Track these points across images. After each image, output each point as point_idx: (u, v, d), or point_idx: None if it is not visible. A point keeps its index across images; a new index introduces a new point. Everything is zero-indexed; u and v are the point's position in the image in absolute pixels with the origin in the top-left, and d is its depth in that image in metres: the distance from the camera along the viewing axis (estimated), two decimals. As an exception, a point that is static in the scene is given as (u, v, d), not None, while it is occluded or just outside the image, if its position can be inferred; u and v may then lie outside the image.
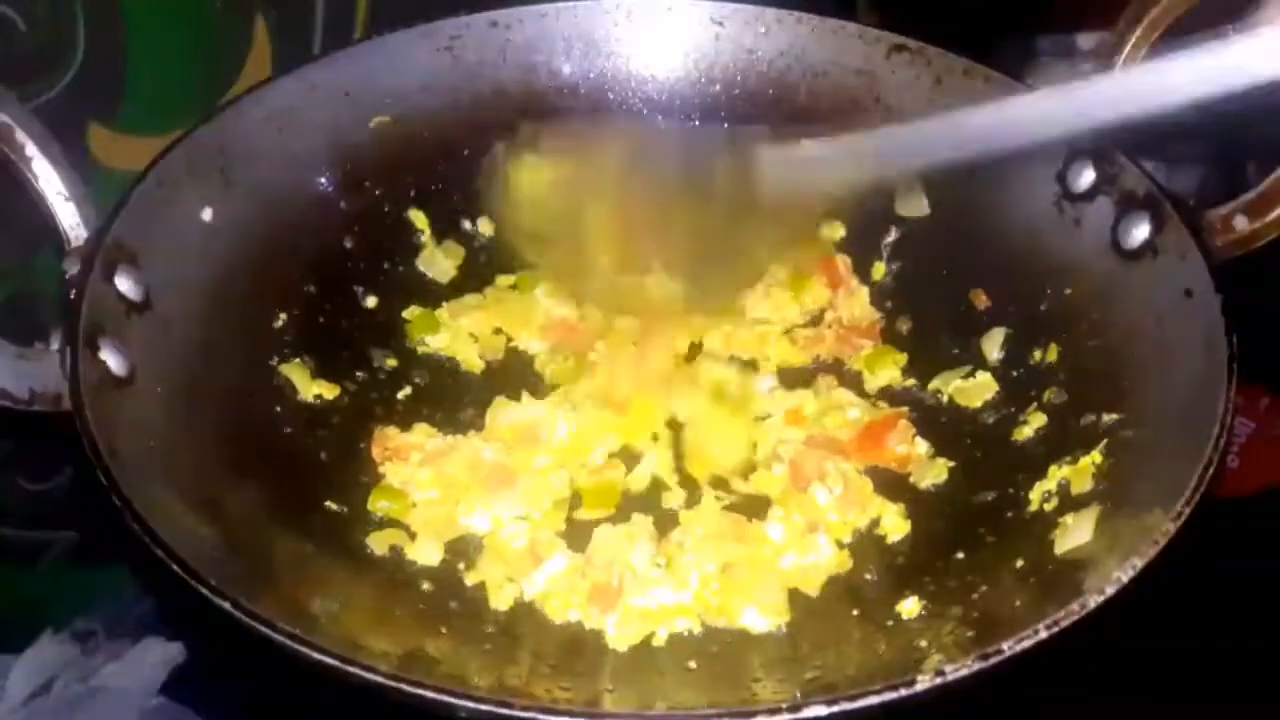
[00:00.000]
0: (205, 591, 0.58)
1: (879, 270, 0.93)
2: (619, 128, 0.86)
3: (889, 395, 0.85)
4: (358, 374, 0.85)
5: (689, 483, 0.79)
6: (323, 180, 0.89)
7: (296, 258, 0.86)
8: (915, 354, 0.87)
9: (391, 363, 0.86)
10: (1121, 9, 0.83)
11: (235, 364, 0.79)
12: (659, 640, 0.70)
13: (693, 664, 0.68)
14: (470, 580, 0.73)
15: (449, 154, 0.94)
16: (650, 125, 0.96)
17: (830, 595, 0.73)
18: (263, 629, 0.57)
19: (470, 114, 0.94)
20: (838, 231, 0.94)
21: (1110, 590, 0.59)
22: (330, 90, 0.89)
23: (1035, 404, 0.80)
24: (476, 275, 0.93)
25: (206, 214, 0.81)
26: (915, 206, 0.92)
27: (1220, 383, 0.66)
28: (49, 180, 0.74)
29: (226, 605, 0.57)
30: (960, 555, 0.72)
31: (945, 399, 0.84)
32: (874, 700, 0.55)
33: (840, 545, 0.75)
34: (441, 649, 0.66)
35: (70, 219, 0.75)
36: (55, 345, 0.68)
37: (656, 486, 0.79)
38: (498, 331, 0.89)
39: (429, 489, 0.78)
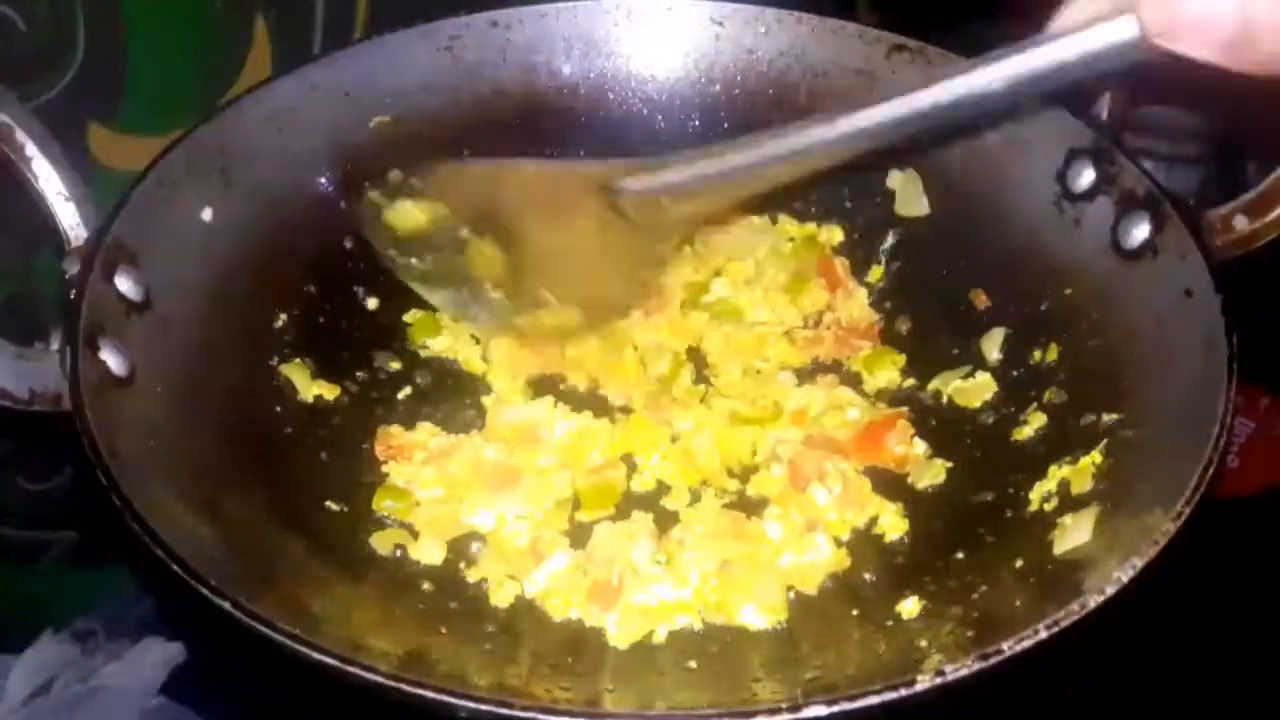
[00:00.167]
0: (205, 591, 0.58)
1: (878, 271, 0.93)
2: (484, 165, 0.87)
3: (888, 396, 0.85)
4: (358, 374, 0.85)
5: (689, 483, 0.79)
6: (323, 180, 0.89)
7: (296, 258, 0.86)
8: (915, 354, 0.87)
9: (395, 365, 0.86)
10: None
11: (235, 364, 0.79)
12: (659, 638, 0.70)
13: (693, 664, 0.68)
14: (472, 577, 0.73)
15: (449, 154, 0.93)
16: (650, 124, 0.97)
17: (830, 595, 0.73)
18: (263, 629, 0.57)
19: (470, 114, 0.94)
20: (836, 235, 0.94)
21: (1110, 590, 0.59)
22: (330, 90, 0.89)
23: (1035, 404, 0.80)
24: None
25: (206, 214, 0.81)
26: (915, 206, 0.92)
27: (1220, 383, 0.66)
28: (49, 180, 0.74)
29: (226, 605, 0.57)
30: (960, 555, 0.72)
31: (945, 399, 0.84)
32: (874, 700, 0.55)
33: (838, 543, 0.75)
34: (441, 649, 0.66)
35: (70, 219, 0.75)
36: (55, 345, 0.68)
37: (657, 487, 0.80)
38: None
39: (432, 488, 0.78)
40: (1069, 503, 0.72)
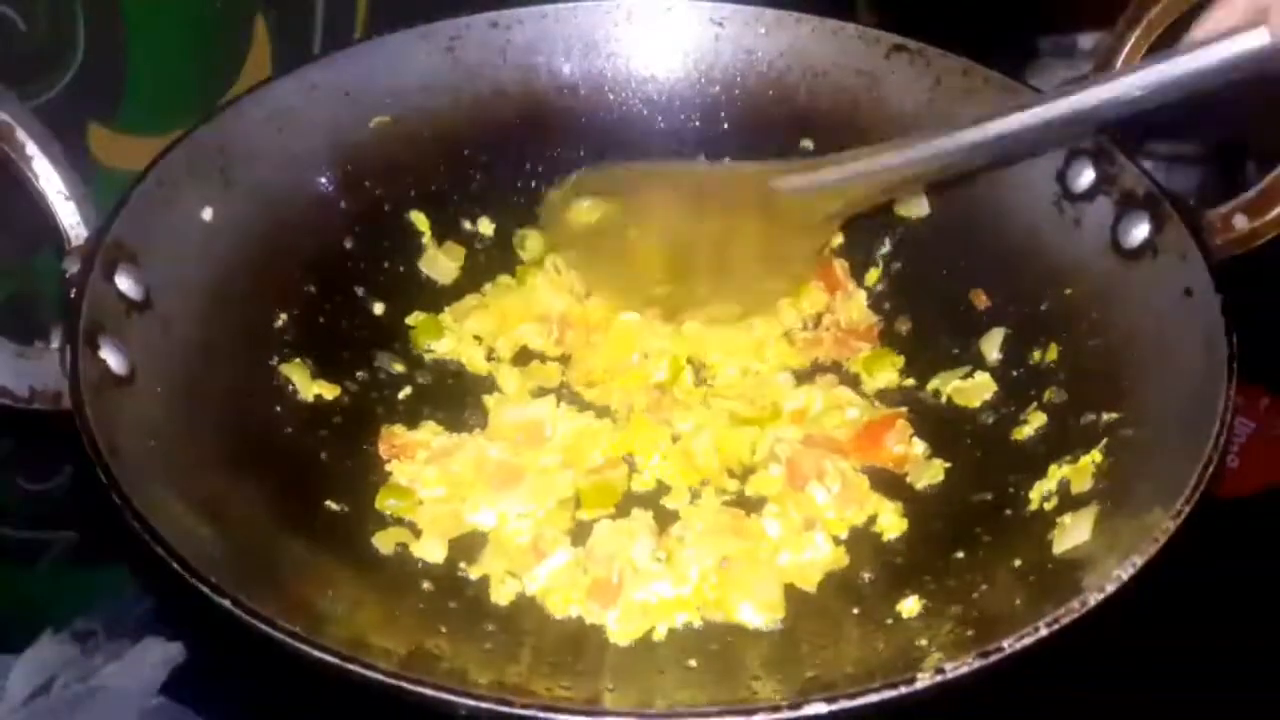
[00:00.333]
0: (205, 591, 0.58)
1: (875, 273, 0.93)
2: (658, 168, 0.94)
3: (887, 396, 0.86)
4: (358, 374, 0.85)
5: (689, 483, 0.79)
6: (323, 180, 0.89)
7: (296, 258, 0.86)
8: (914, 354, 0.87)
9: (398, 367, 0.86)
10: (1121, 9, 0.83)
11: (235, 364, 0.79)
12: (659, 635, 0.70)
13: (693, 662, 0.68)
14: (474, 574, 0.73)
15: (449, 154, 0.93)
16: (650, 124, 0.97)
17: (829, 593, 0.73)
18: (263, 628, 0.57)
19: (470, 114, 0.94)
20: (836, 237, 0.94)
21: (1110, 589, 0.59)
22: (330, 90, 0.89)
23: (1035, 404, 0.80)
24: (478, 276, 0.93)
25: (206, 214, 0.81)
26: (915, 207, 0.92)
27: (1220, 382, 0.66)
28: (49, 180, 0.74)
29: (226, 605, 0.57)
30: (960, 554, 0.72)
31: (944, 399, 0.84)
32: (874, 699, 0.55)
33: (837, 542, 0.75)
34: (442, 647, 0.66)
35: (70, 218, 0.75)
36: (55, 344, 0.68)
37: (657, 487, 0.80)
38: (500, 329, 0.89)
39: (435, 486, 0.78)
40: (1069, 502, 0.72)
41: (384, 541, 0.74)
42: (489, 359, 0.88)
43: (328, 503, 0.76)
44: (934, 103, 0.90)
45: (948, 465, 0.79)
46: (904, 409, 0.83)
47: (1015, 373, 0.83)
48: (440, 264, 0.92)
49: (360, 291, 0.89)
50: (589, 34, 0.96)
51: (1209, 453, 0.63)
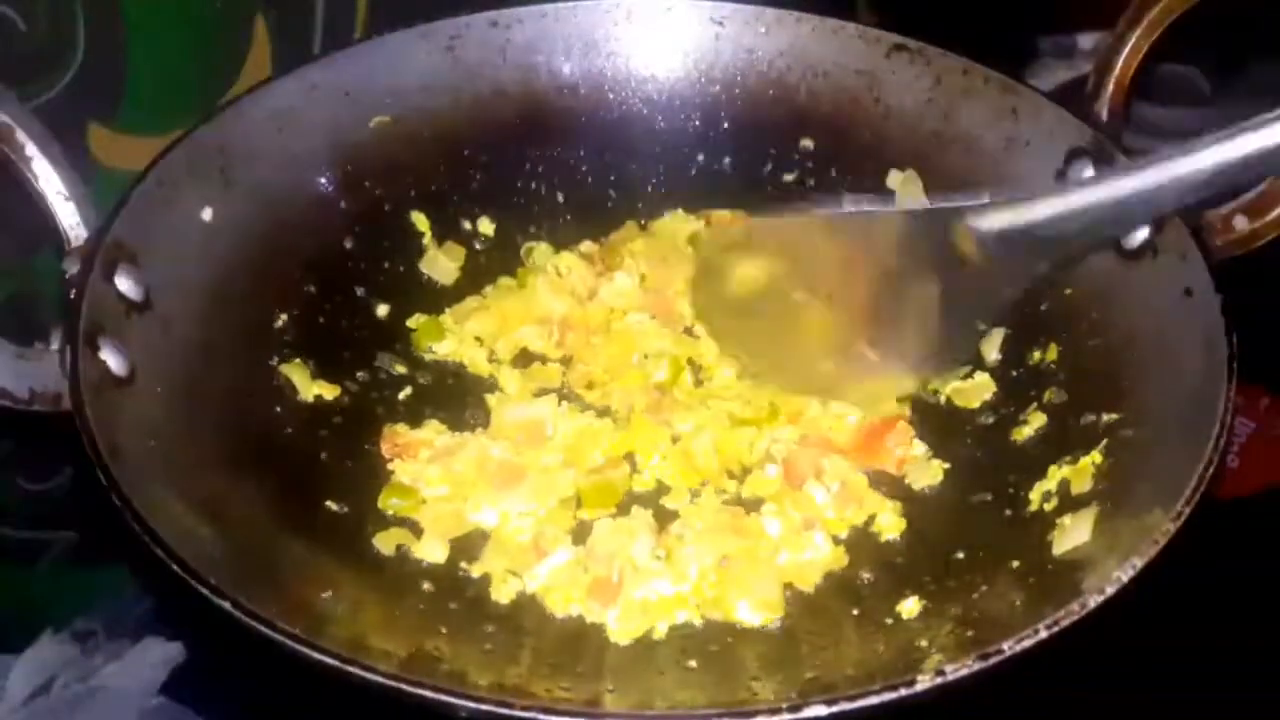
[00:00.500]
0: (205, 591, 0.58)
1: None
2: (814, 217, 0.81)
3: (887, 395, 0.85)
4: (358, 374, 0.85)
5: (689, 484, 0.79)
6: (323, 180, 0.89)
7: (296, 258, 0.86)
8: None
9: (400, 368, 0.86)
10: (1121, 9, 0.83)
11: (235, 364, 0.79)
12: (659, 633, 0.70)
13: (693, 663, 0.68)
14: (475, 573, 0.73)
15: (449, 154, 0.93)
16: (650, 124, 0.97)
17: (829, 594, 0.73)
18: (263, 629, 0.57)
19: (470, 114, 0.94)
20: None
21: (1110, 590, 0.58)
22: (330, 90, 0.89)
23: (1035, 404, 0.80)
24: (478, 276, 0.93)
25: (206, 214, 0.81)
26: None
27: (1220, 383, 0.66)
28: (49, 180, 0.74)
29: (226, 605, 0.57)
30: (959, 555, 0.72)
31: (944, 399, 0.84)
32: (874, 700, 0.55)
33: (836, 541, 0.75)
34: (442, 648, 0.66)
35: (70, 219, 0.75)
36: (55, 345, 0.68)
37: (657, 487, 0.80)
38: (500, 331, 0.89)
39: (438, 485, 0.78)
40: (1069, 503, 0.72)
41: (385, 542, 0.74)
42: (490, 360, 0.88)
43: (328, 503, 0.76)
44: (934, 102, 0.90)
45: (947, 466, 0.79)
46: (904, 410, 0.83)
47: (1015, 373, 0.83)
48: (440, 264, 0.92)
49: (360, 292, 0.89)
50: (589, 33, 0.96)
51: (1209, 453, 0.63)
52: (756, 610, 0.71)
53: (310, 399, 0.82)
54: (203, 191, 0.81)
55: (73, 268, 0.71)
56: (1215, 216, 0.76)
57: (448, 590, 0.72)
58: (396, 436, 0.80)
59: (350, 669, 0.56)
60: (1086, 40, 1.56)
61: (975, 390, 0.83)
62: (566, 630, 0.71)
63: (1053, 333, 0.82)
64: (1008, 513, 0.74)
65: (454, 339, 0.88)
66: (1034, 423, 0.79)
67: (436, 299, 0.91)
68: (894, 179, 0.92)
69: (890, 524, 0.76)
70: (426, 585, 0.73)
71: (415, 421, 0.82)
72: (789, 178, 0.96)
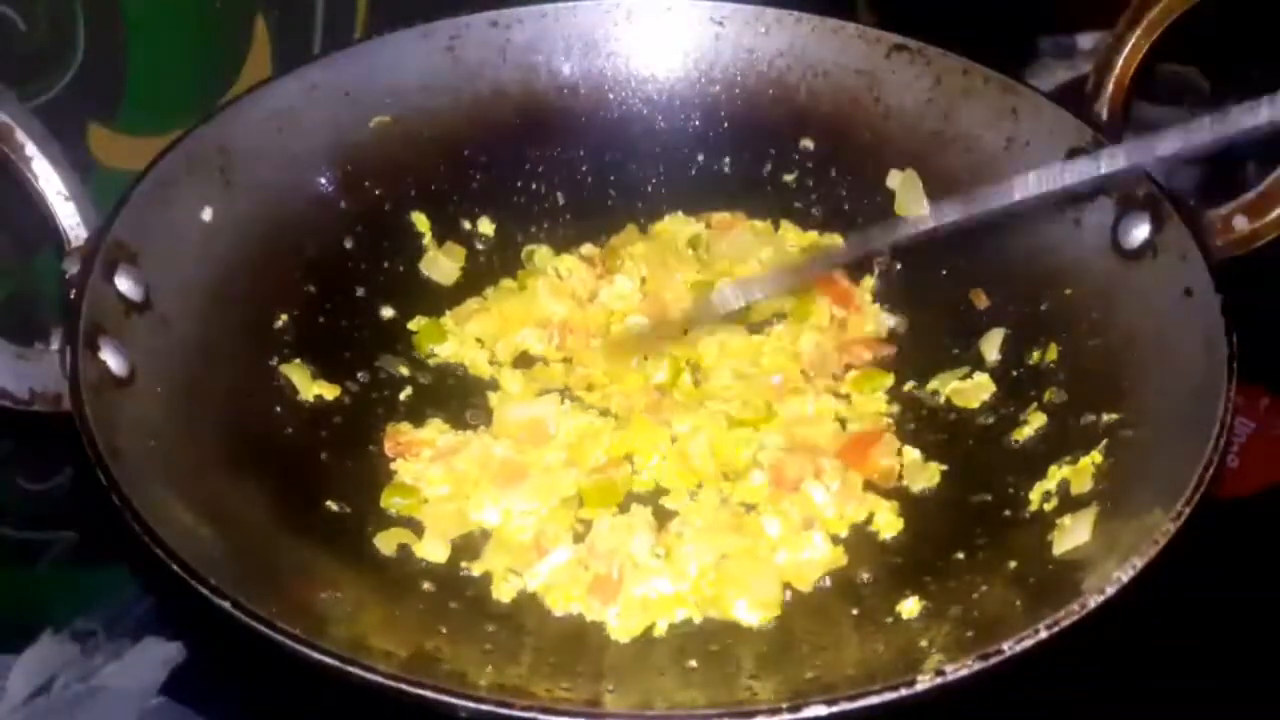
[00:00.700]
0: (205, 591, 0.58)
1: (877, 272, 0.92)
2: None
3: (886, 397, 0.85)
4: (359, 375, 0.85)
5: (688, 485, 0.79)
6: (323, 180, 0.89)
7: (296, 258, 0.86)
8: (913, 355, 0.87)
9: (402, 370, 0.86)
10: (1121, 9, 0.83)
11: (235, 364, 0.79)
12: (659, 631, 0.70)
13: (693, 663, 0.68)
14: (476, 571, 0.73)
15: (449, 154, 0.93)
16: (650, 124, 0.97)
17: (829, 594, 0.73)
18: (263, 629, 0.57)
19: (470, 114, 0.94)
20: (837, 243, 0.94)
21: (1110, 590, 0.58)
22: (330, 90, 0.89)
23: (1035, 404, 0.80)
24: (478, 277, 0.93)
25: (206, 214, 0.81)
26: (915, 207, 0.92)
27: (1220, 383, 0.66)
28: (49, 180, 0.74)
29: (226, 605, 0.57)
30: (959, 555, 0.72)
31: (943, 400, 0.84)
32: (874, 700, 0.55)
33: (835, 541, 0.75)
34: (442, 648, 0.66)
35: (70, 219, 0.75)
36: (55, 345, 0.68)
37: (656, 488, 0.80)
38: (501, 333, 0.89)
39: (440, 485, 0.78)
40: (1068, 503, 0.72)
41: (385, 542, 0.74)
42: (491, 362, 0.88)
43: (328, 503, 0.76)
44: (934, 102, 0.90)
45: (943, 469, 0.79)
46: (889, 421, 0.83)
47: (1015, 373, 0.83)
48: (441, 265, 0.92)
49: (360, 292, 0.89)
50: (589, 33, 0.96)
51: (1209, 453, 0.63)
52: (755, 609, 0.71)
53: (310, 399, 0.82)
54: (202, 191, 0.81)
55: (73, 268, 0.71)
56: (1215, 216, 0.76)
57: (448, 590, 0.73)
58: (399, 435, 0.80)
59: (350, 669, 0.56)
60: (1086, 40, 1.56)
61: (975, 390, 0.83)
62: (567, 629, 0.71)
63: (1053, 333, 0.82)
64: (1007, 513, 0.74)
65: (455, 341, 0.88)
66: (1034, 423, 0.79)
67: (437, 300, 0.91)
68: (894, 179, 0.92)
69: (888, 523, 0.76)
70: (427, 585, 0.73)
71: (417, 421, 0.82)
72: (789, 178, 0.96)
